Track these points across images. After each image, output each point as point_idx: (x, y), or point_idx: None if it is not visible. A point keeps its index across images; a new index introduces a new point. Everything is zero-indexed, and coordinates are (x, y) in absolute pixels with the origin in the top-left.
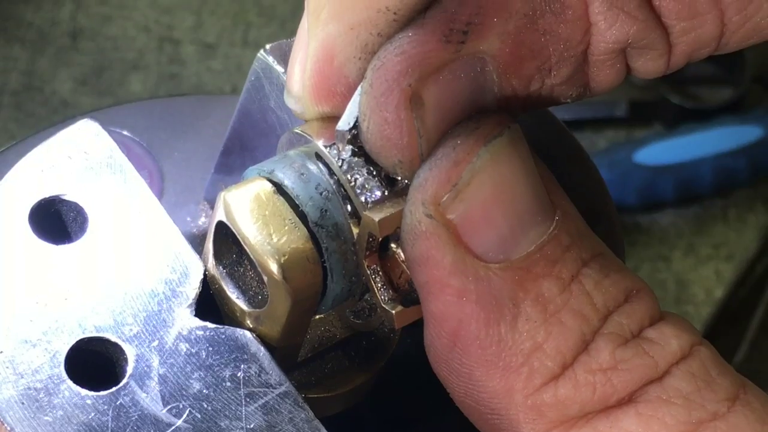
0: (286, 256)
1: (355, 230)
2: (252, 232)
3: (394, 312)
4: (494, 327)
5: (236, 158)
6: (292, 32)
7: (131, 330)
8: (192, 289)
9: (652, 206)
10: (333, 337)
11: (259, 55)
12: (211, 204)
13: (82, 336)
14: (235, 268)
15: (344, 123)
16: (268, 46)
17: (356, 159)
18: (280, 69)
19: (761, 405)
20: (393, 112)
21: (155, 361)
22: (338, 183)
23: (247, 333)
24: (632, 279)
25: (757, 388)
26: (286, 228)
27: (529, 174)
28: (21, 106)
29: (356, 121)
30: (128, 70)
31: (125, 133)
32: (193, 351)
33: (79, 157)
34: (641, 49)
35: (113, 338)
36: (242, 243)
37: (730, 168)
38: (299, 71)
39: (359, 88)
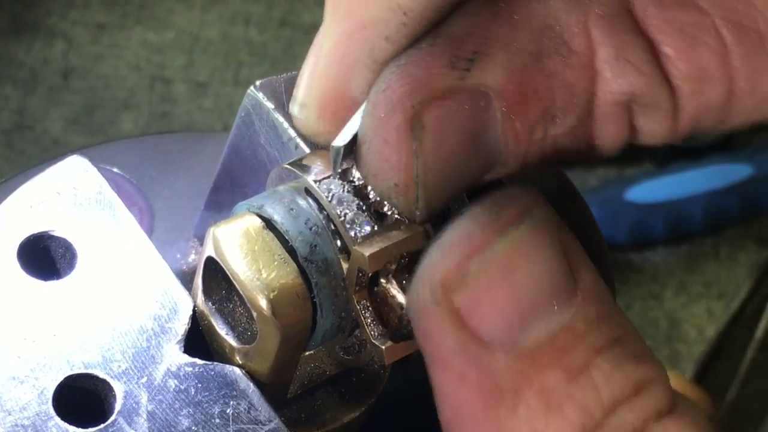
0: (276, 292)
1: (345, 265)
2: (241, 267)
3: (384, 347)
4: (493, 412)
5: (226, 195)
6: (283, 71)
7: (120, 366)
8: (181, 325)
9: (643, 244)
10: (323, 374)
11: (249, 91)
12: (201, 241)
13: (70, 372)
14: (225, 304)
15: (340, 139)
16: (258, 83)
17: (346, 194)
18: (270, 105)
19: None
20: (393, 133)
21: (144, 398)
22: (328, 218)
23: (237, 369)
24: (646, 368)
25: None
26: (276, 263)
27: (549, 260)
28: (12, 145)
29: (351, 141)
30: (119, 108)
31: (115, 170)
32: (182, 387)
33: (68, 193)
34: (646, 106)
35: (101, 375)
36: (231, 278)
37: (721, 206)
38: (308, 75)
39: (360, 110)
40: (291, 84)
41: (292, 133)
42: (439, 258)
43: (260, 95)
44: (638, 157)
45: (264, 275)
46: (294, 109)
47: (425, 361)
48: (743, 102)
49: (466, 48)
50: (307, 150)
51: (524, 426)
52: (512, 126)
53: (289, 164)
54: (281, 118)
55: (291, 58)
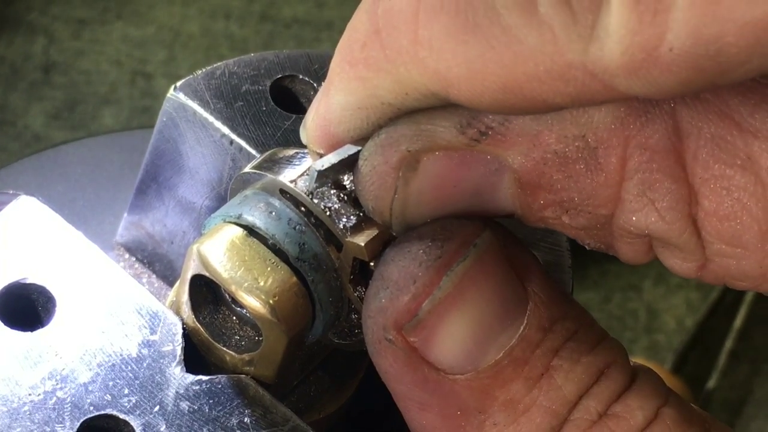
0: (277, 297)
1: (334, 256)
2: (237, 279)
3: None
4: None
5: (153, 197)
6: None
7: (130, 401)
8: (177, 345)
9: None
10: (315, 361)
11: (169, 95)
12: (127, 247)
13: (83, 418)
14: (214, 317)
15: (319, 164)
16: (177, 84)
17: (324, 188)
18: (194, 105)
19: None
20: (384, 164)
21: (162, 427)
22: (308, 214)
23: (243, 377)
24: (604, 355)
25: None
26: (269, 269)
27: (496, 283)
28: None
29: (330, 167)
30: (101, 103)
31: (18, 193)
32: (196, 407)
33: (28, 237)
34: (666, 245)
35: (114, 413)
36: (229, 292)
37: None
38: (313, 111)
39: (348, 145)
40: (210, 79)
41: (224, 129)
42: (388, 301)
43: (182, 97)
44: None
45: (261, 283)
46: (301, 128)
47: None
48: None
49: (481, 119)
50: (243, 144)
51: None
52: (524, 198)
53: (255, 168)
54: (210, 117)
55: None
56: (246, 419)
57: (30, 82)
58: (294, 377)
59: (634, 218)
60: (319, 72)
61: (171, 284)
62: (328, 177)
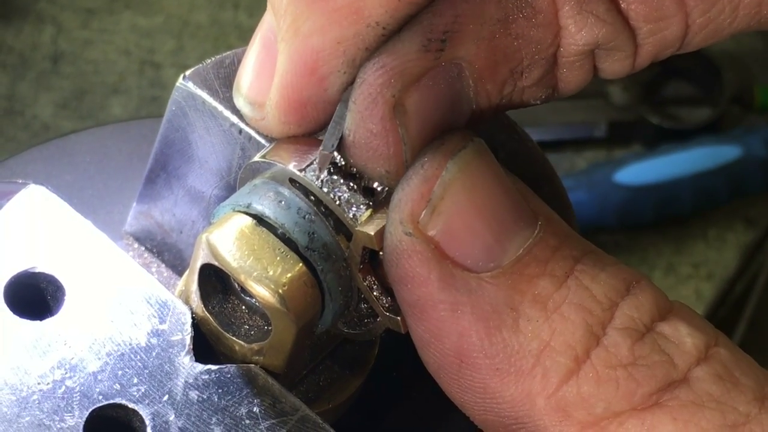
0: (286, 287)
1: (344, 245)
2: (246, 269)
3: (398, 318)
4: (496, 334)
5: (162, 186)
6: None
7: (139, 390)
8: (186, 335)
9: (632, 226)
10: (324, 350)
11: (178, 84)
12: (136, 237)
13: (92, 407)
14: (224, 306)
15: (328, 146)
16: (187, 73)
17: (334, 177)
18: (204, 94)
19: None
20: (378, 123)
21: (171, 416)
22: (318, 203)
23: (252, 367)
24: (630, 271)
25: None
26: (278, 258)
27: (501, 182)
28: (2, 131)
29: (339, 143)
30: (109, 93)
31: (28, 182)
32: (205, 397)
33: (37, 225)
34: (609, 50)
35: (124, 402)
36: (238, 281)
37: (709, 187)
38: (255, 77)
39: (338, 109)
40: (219, 68)
41: (233, 119)
42: (402, 192)
43: (192, 86)
44: (627, 139)
45: (271, 272)
46: (239, 102)
47: (411, 317)
48: (698, 34)
49: (437, 29)
50: (252, 133)
51: (532, 341)
52: (484, 88)
53: (264, 157)
54: (219, 106)
55: None
56: (255, 409)
57: (38, 72)
58: (303, 367)
59: (580, 36)
60: None
61: (180, 274)
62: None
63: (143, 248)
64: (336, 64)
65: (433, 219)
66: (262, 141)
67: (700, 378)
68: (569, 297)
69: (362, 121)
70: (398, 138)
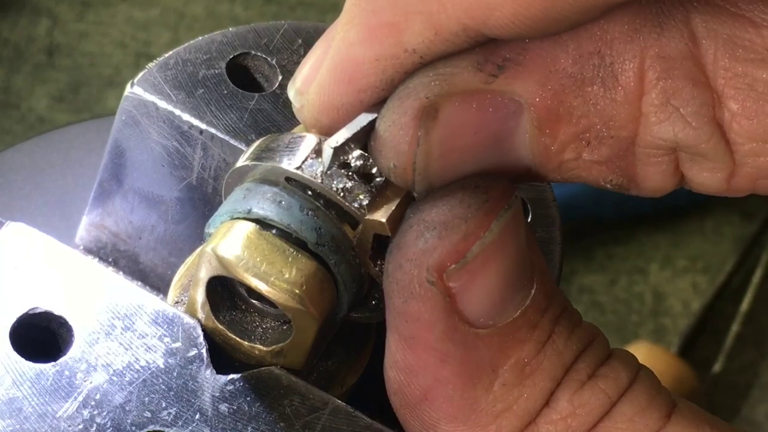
0: (304, 286)
1: (350, 234)
2: (262, 276)
3: None
4: (470, 390)
5: (115, 196)
6: None
7: (169, 414)
8: (201, 348)
9: (629, 219)
10: (330, 336)
11: (127, 93)
12: (88, 249)
13: None
14: (234, 314)
15: (333, 140)
16: (135, 80)
17: (332, 169)
18: (156, 99)
19: (691, 413)
20: (403, 116)
21: None
22: (317, 196)
23: (273, 369)
24: (589, 329)
25: (685, 400)
26: (291, 259)
27: (523, 242)
28: None
29: (345, 142)
30: (105, 86)
31: None
32: (235, 408)
33: (25, 265)
34: (694, 156)
35: (158, 429)
36: (254, 289)
37: None
38: (311, 71)
39: (362, 114)
40: (165, 70)
41: (193, 121)
42: (438, 240)
43: (142, 92)
44: None
45: (287, 275)
46: (291, 92)
47: (393, 340)
48: None
49: (497, 54)
50: (213, 131)
51: (498, 403)
52: (543, 141)
53: (251, 159)
54: (176, 110)
55: None
56: (287, 410)
57: (34, 65)
58: (316, 358)
59: (660, 130)
60: (269, 45)
61: (139, 278)
62: (347, 153)
63: (96, 259)
64: (374, 81)
65: (460, 274)
66: (226, 138)
67: (621, 402)
68: (544, 363)
69: (393, 108)
70: (414, 138)
